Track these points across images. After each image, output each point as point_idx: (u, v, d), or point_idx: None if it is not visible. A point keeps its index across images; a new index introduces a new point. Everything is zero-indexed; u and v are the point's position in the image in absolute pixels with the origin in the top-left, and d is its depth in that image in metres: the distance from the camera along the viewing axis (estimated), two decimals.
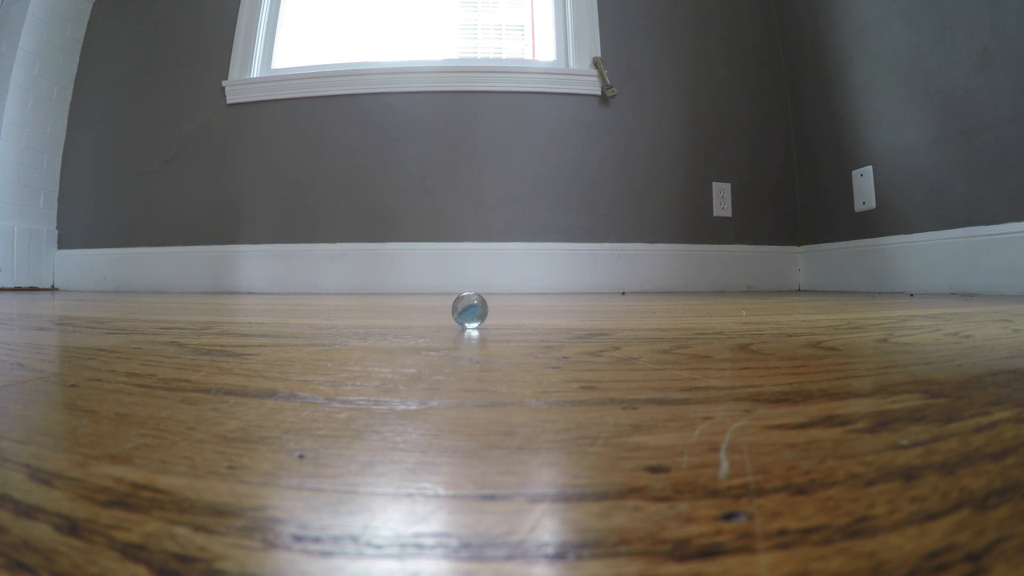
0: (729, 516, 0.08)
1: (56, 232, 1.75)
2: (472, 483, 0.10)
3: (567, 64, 1.66)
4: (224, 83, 1.65)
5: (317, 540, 0.08)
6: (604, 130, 1.62)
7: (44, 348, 0.31)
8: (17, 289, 1.60)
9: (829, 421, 0.14)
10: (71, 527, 0.08)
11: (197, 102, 1.68)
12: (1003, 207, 1.03)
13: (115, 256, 1.69)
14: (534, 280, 1.55)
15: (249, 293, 1.52)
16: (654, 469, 0.11)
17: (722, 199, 1.64)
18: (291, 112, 1.63)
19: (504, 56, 1.79)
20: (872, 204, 1.35)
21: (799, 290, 1.62)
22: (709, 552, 0.07)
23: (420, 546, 0.08)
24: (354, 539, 0.08)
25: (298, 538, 0.08)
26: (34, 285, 1.67)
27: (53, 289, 1.71)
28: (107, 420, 0.15)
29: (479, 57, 1.76)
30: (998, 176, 1.04)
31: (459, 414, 0.15)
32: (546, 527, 0.08)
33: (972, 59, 1.07)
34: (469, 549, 0.07)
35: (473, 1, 1.82)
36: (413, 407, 0.16)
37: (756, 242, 1.65)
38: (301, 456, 0.12)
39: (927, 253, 1.19)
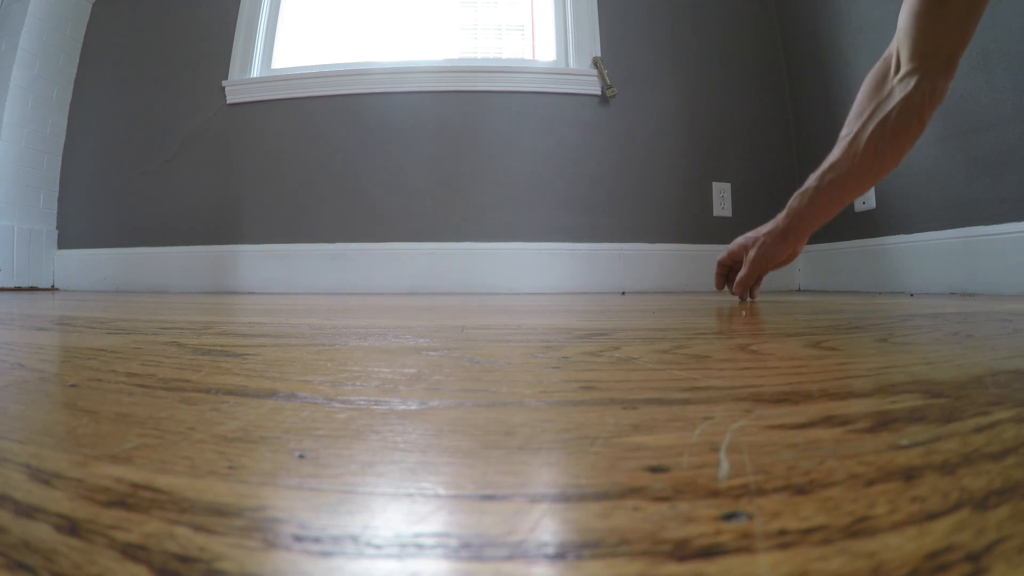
0: (729, 516, 0.08)
1: (56, 232, 1.75)
2: (472, 483, 0.10)
3: (567, 64, 1.66)
4: (224, 83, 1.65)
5: (317, 540, 0.08)
6: (604, 130, 1.62)
7: (44, 348, 0.31)
8: (17, 289, 1.60)
9: (829, 421, 0.14)
10: (71, 527, 0.08)
11: (197, 102, 1.68)
12: (1003, 207, 1.03)
13: (115, 256, 1.69)
14: (534, 280, 1.55)
15: (249, 293, 1.52)
16: (654, 469, 0.11)
17: (722, 199, 1.64)
18: (291, 112, 1.63)
19: (504, 56, 1.79)
20: (872, 204, 1.35)
21: (799, 290, 1.62)
22: (709, 552, 0.07)
23: (420, 546, 0.08)
24: (354, 539, 0.08)
25: (298, 538, 0.08)
26: (34, 285, 1.67)
27: (53, 289, 1.71)
28: (107, 420, 0.15)
29: (479, 57, 1.76)
30: (998, 176, 1.04)
31: (459, 414, 0.15)
32: (546, 527, 0.08)
33: (972, 59, 1.07)
34: (469, 549, 0.07)
35: (473, 1, 1.82)
36: (413, 407, 0.16)
37: None
38: (301, 456, 0.12)
39: (927, 253, 1.19)
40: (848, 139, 0.60)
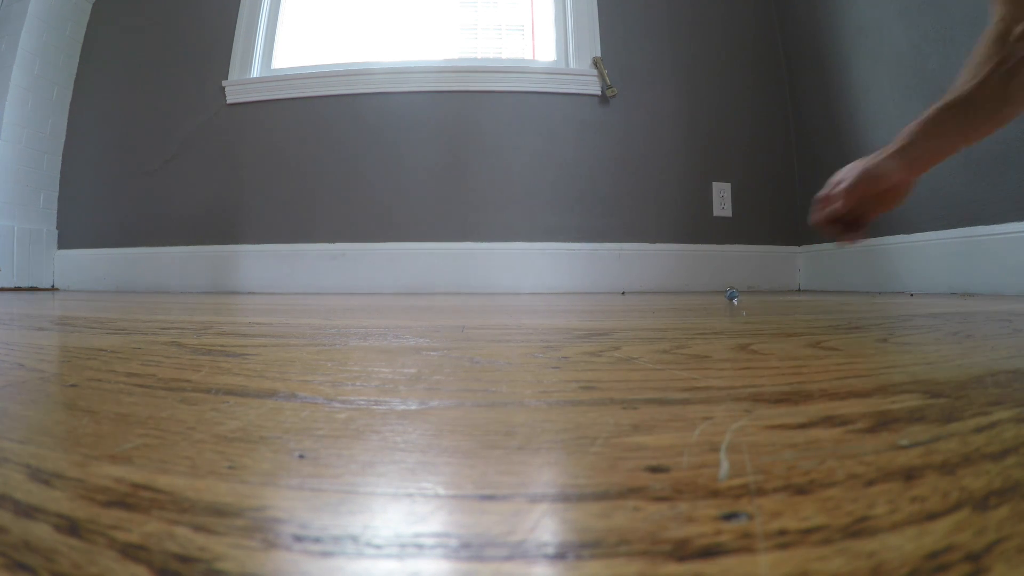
0: (729, 516, 0.08)
1: (56, 232, 1.75)
2: (472, 483, 0.10)
3: (567, 64, 1.66)
4: (224, 83, 1.65)
5: (317, 540, 0.08)
6: (604, 130, 1.62)
7: (44, 348, 0.31)
8: (17, 289, 1.60)
9: (829, 421, 0.14)
10: (71, 527, 0.08)
11: (197, 102, 1.68)
12: (1003, 207, 1.03)
13: (115, 256, 1.69)
14: (534, 280, 1.55)
15: (249, 293, 1.52)
16: (654, 469, 0.11)
17: (722, 199, 1.64)
18: (291, 112, 1.63)
19: (504, 56, 1.79)
20: None
21: (799, 290, 1.62)
22: (709, 552, 0.07)
23: (420, 546, 0.08)
24: (354, 539, 0.08)
25: (298, 538, 0.08)
26: (34, 285, 1.67)
27: (53, 289, 1.71)
28: (107, 420, 0.15)
29: (479, 57, 1.76)
30: (998, 176, 1.04)
31: (459, 414, 0.15)
32: (546, 527, 0.08)
33: None
34: (469, 549, 0.07)
35: (473, 1, 1.82)
36: (413, 407, 0.16)
37: (756, 242, 1.65)
38: (301, 456, 0.12)
39: (927, 253, 1.19)
40: (974, 82, 0.50)
